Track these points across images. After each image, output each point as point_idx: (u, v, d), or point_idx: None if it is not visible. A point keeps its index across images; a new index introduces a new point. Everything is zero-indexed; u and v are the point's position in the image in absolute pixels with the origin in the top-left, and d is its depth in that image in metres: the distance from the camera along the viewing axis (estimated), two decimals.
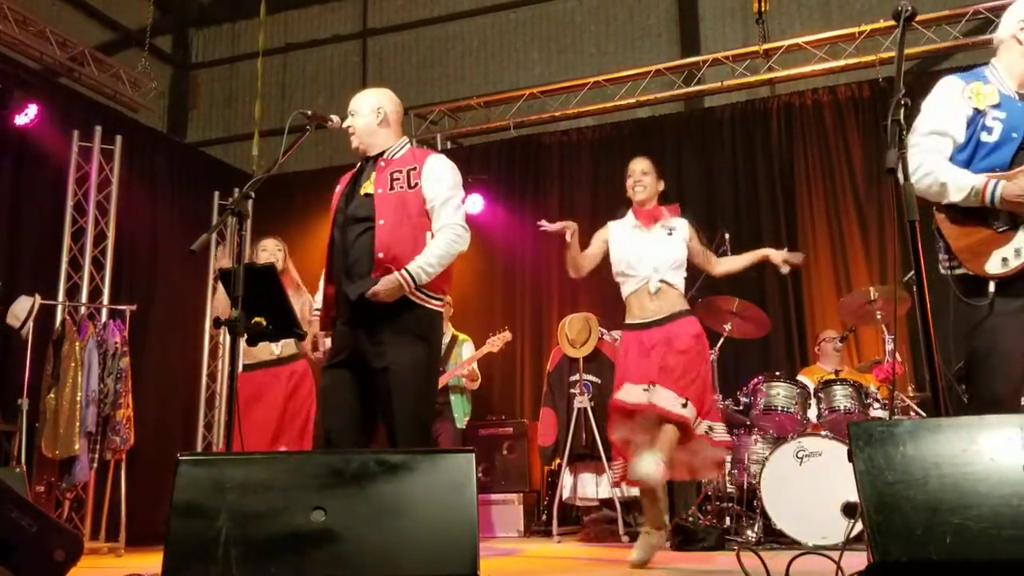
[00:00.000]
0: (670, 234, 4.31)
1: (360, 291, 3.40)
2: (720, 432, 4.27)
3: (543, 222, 4.35)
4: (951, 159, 3.00)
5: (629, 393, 4.13)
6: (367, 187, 3.57)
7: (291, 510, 2.18)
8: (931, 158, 2.99)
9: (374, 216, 3.48)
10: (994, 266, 2.89)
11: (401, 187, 3.54)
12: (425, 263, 3.44)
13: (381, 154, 3.64)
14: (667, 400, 4.01)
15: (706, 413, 4.17)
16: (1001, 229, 2.90)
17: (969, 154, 2.99)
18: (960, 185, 2.92)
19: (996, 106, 2.97)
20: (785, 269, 4.43)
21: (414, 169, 3.58)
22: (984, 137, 2.95)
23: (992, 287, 2.90)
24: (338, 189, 3.73)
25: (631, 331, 4.31)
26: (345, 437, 3.40)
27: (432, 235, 3.56)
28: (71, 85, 8.13)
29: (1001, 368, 2.81)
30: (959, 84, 3.06)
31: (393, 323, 3.42)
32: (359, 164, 3.71)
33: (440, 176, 3.60)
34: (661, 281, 4.23)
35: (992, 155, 2.93)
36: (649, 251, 4.29)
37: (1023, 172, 2.85)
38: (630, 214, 4.47)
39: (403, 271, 3.40)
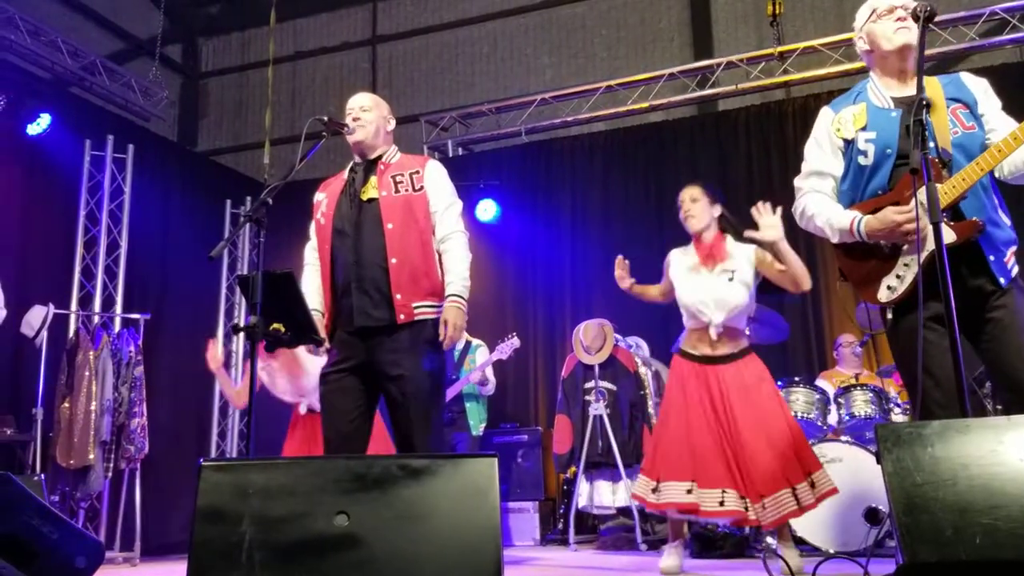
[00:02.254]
0: (731, 279, 4.12)
1: (447, 343, 3.41)
2: (812, 487, 3.96)
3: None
4: (841, 192, 2.98)
5: (702, 499, 3.96)
6: (369, 192, 3.53)
7: (314, 515, 2.17)
8: (813, 200, 3.02)
9: (381, 220, 3.46)
10: (883, 294, 2.86)
11: (406, 190, 3.53)
12: (463, 279, 3.48)
13: (379, 158, 3.62)
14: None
15: (804, 466, 3.98)
16: (885, 256, 2.87)
17: (852, 182, 2.95)
18: (835, 226, 2.94)
19: (864, 128, 2.91)
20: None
21: (416, 173, 3.58)
22: (861, 161, 2.89)
23: (890, 314, 2.88)
24: (322, 197, 3.67)
25: (688, 360, 4.20)
26: (346, 443, 3.38)
27: (435, 239, 3.55)
28: (83, 95, 8.17)
29: (940, 378, 2.70)
30: (828, 117, 3.04)
31: (408, 331, 3.41)
32: (348, 170, 3.67)
33: (442, 182, 3.61)
34: (724, 327, 4.12)
35: (873, 179, 2.88)
36: (711, 297, 4.13)
37: (886, 200, 2.81)
38: (691, 247, 4.31)
39: (455, 296, 3.42)
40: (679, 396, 4.15)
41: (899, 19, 2.87)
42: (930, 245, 2.70)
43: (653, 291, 4.44)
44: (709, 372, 4.10)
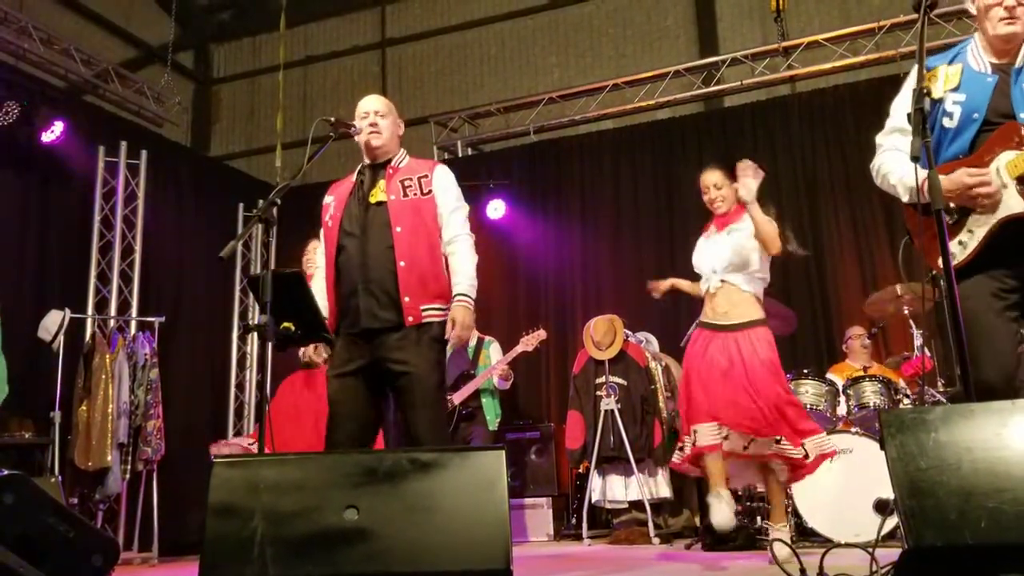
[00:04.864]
0: (729, 234, 4.29)
1: (455, 341, 3.48)
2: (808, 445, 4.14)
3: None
4: None
5: (706, 436, 4.14)
6: (378, 195, 3.56)
7: (324, 509, 2.20)
8: (890, 158, 2.95)
9: (390, 223, 3.48)
10: (942, 260, 2.75)
11: (415, 194, 3.56)
12: (470, 279, 3.52)
13: (388, 162, 3.65)
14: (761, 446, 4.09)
15: (791, 428, 4.13)
16: (952, 221, 2.77)
17: (935, 144, 2.82)
18: (905, 184, 2.86)
19: (955, 88, 2.81)
20: None
21: (425, 177, 3.61)
22: (946, 123, 2.80)
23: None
24: (330, 200, 3.68)
25: (701, 328, 4.37)
26: (353, 446, 3.40)
27: (442, 242, 3.59)
28: (96, 102, 8.25)
29: (988, 355, 2.62)
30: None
31: (414, 332, 3.44)
32: (357, 173, 3.68)
33: (449, 186, 3.65)
34: (722, 281, 4.27)
35: (955, 142, 2.79)
36: (708, 254, 4.35)
37: (962, 164, 2.73)
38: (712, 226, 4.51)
39: (462, 296, 3.46)
40: (697, 357, 4.29)
41: (1005, 16, 2.78)
42: (1001, 213, 2.68)
43: (694, 287, 4.55)
44: (720, 338, 4.22)
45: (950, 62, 2.90)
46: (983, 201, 2.67)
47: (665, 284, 4.62)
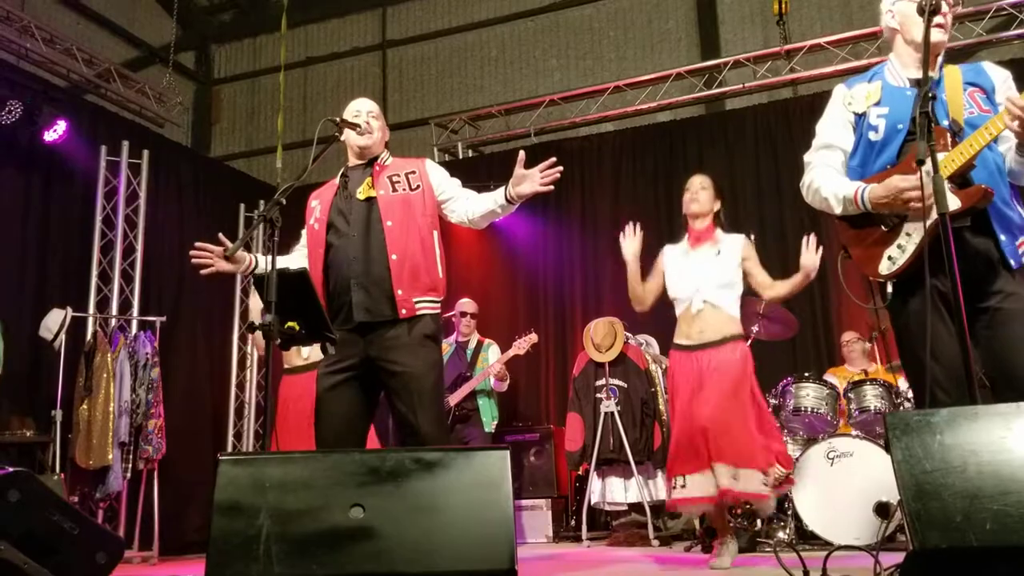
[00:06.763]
0: (718, 254, 4.33)
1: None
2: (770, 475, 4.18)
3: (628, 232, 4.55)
4: (851, 168, 2.94)
5: (693, 488, 4.17)
6: (366, 192, 3.59)
7: (330, 508, 2.20)
8: (820, 173, 2.98)
9: (381, 218, 3.51)
10: (884, 266, 2.79)
11: (404, 189, 3.59)
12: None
13: (374, 160, 3.69)
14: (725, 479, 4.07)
15: (764, 454, 4.17)
16: (889, 227, 2.80)
17: (862, 158, 2.90)
18: (838, 197, 2.89)
19: (877, 103, 2.87)
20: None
21: (413, 173, 3.65)
22: (872, 136, 2.86)
23: (890, 288, 2.80)
24: (315, 204, 3.70)
25: (677, 351, 4.40)
26: (341, 444, 3.38)
27: (448, 210, 3.67)
28: (98, 102, 8.25)
29: (939, 372, 2.60)
30: (841, 92, 3.02)
31: (407, 328, 3.45)
32: (341, 174, 3.71)
33: (442, 171, 3.74)
34: (704, 302, 4.28)
35: (882, 153, 2.83)
36: (692, 272, 4.35)
37: (894, 172, 2.74)
38: (685, 236, 4.53)
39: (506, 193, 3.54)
40: (675, 393, 4.35)
41: (938, 23, 2.78)
42: (935, 214, 2.61)
43: (640, 288, 4.54)
44: (694, 358, 4.26)
45: (869, 80, 2.97)
46: (915, 205, 2.66)
47: (636, 247, 4.52)
